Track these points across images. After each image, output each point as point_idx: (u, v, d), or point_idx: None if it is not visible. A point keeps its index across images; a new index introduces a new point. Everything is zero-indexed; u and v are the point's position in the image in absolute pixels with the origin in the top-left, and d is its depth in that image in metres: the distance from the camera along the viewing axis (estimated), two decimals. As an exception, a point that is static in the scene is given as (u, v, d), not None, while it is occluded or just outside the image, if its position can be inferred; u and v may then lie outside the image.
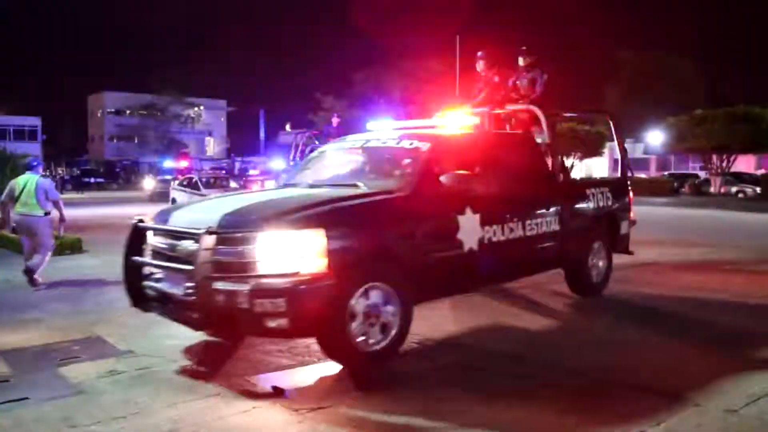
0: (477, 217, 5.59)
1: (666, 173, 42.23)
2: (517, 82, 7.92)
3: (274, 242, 4.34)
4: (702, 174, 39.38)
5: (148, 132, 66.43)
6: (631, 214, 8.07)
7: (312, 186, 5.89)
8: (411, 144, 5.89)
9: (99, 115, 74.41)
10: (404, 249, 5.00)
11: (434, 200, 5.34)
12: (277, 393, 4.30)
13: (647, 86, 50.60)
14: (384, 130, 6.89)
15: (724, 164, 36.09)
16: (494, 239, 5.77)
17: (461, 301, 6.67)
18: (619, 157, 8.39)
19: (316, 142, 16.18)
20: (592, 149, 41.78)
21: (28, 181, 8.41)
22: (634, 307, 6.94)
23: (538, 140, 7.02)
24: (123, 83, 67.39)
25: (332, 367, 4.79)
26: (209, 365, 4.88)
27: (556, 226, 6.58)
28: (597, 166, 47.28)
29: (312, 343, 5.41)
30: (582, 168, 44.65)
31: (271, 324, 4.27)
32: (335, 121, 16.21)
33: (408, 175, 5.54)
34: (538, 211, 6.43)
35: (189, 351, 5.22)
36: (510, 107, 7.55)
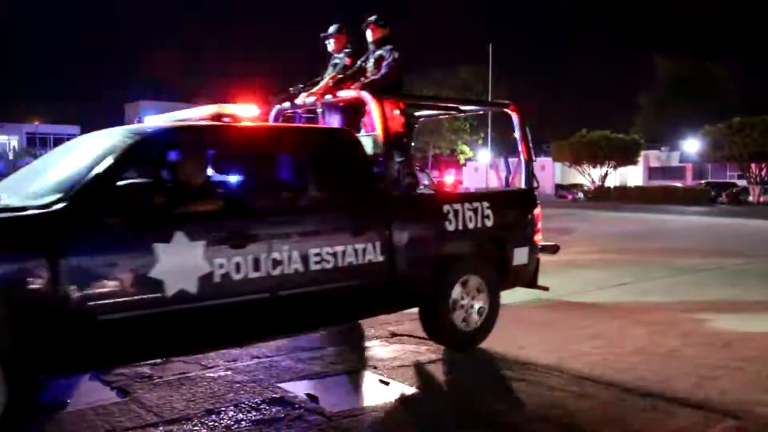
0: (198, 244, 3.93)
1: (703, 182, 41.50)
2: (365, 63, 6.19)
3: None
4: (740, 183, 38.59)
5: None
6: (537, 238, 6.05)
7: None
8: (110, 139, 4.29)
9: (135, 123, 75.76)
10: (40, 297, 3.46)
11: (108, 220, 3.70)
12: (311, 400, 4.34)
13: (683, 93, 49.84)
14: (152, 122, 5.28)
15: (763, 173, 35.32)
16: (238, 276, 4.08)
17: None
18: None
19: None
20: (626, 157, 41.37)
21: None
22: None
23: (366, 139, 5.29)
24: (160, 92, 68.57)
25: (364, 375, 4.82)
26: (242, 372, 4.95)
27: (377, 256, 4.76)
28: (632, 174, 46.77)
29: (344, 351, 5.46)
30: (616, 176, 44.22)
31: None
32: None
33: (74, 183, 3.83)
34: (339, 235, 4.60)
35: (223, 357, 5.29)
36: (342, 94, 5.75)
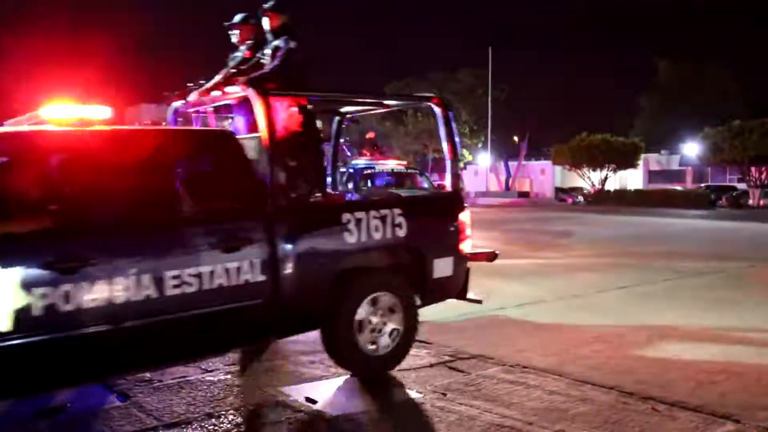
0: (12, 271, 3.39)
1: (703, 185, 41.52)
2: (260, 54, 5.60)
3: None
4: (740, 186, 38.60)
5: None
6: (463, 246, 5.42)
7: None
8: None
9: (136, 126, 75.98)
10: None
11: None
12: (310, 404, 4.33)
13: (684, 96, 49.88)
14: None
15: (763, 176, 35.35)
16: (68, 307, 3.52)
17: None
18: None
19: (349, 153, 16.38)
20: (626, 161, 41.40)
21: None
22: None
23: (248, 140, 4.70)
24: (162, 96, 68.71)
25: (365, 378, 4.82)
26: (242, 376, 4.95)
27: (255, 275, 4.19)
28: (632, 178, 46.80)
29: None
30: (616, 180, 44.26)
31: None
32: (371, 134, 16.38)
33: None
34: (205, 253, 4.03)
35: (222, 361, 5.29)
36: (231, 91, 5.19)
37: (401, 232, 4.95)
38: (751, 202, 35.28)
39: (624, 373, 5.01)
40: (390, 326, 4.88)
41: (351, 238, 4.68)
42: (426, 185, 14.29)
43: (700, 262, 11.33)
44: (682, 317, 7.03)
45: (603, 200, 38.89)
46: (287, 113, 4.88)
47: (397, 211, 4.96)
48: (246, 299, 4.21)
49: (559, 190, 48.49)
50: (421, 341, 5.84)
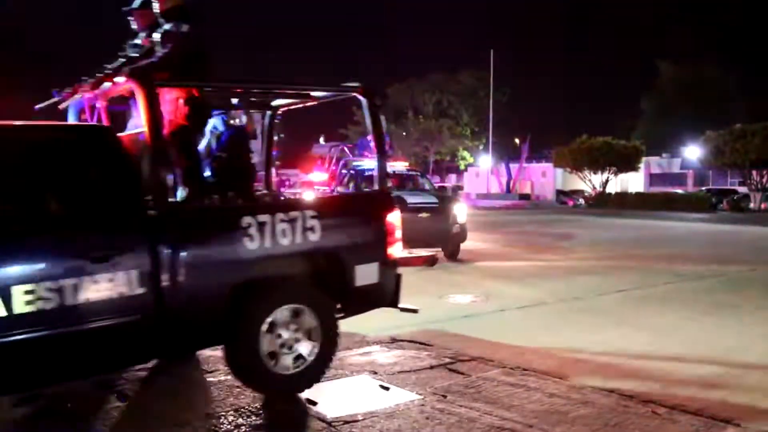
0: None
1: (704, 188, 41.49)
2: (151, 40, 5.09)
3: None
4: (741, 190, 38.58)
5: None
6: (393, 251, 4.94)
7: None
8: None
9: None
10: None
11: None
12: (311, 405, 4.33)
13: (685, 99, 49.86)
14: None
15: (764, 180, 35.33)
16: None
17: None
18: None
19: (350, 155, 16.42)
20: (627, 164, 41.40)
21: None
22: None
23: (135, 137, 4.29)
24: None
25: (365, 380, 4.81)
26: (243, 376, 4.94)
27: (133, 288, 3.75)
28: (633, 181, 46.78)
29: (344, 356, 5.46)
30: (617, 183, 44.25)
31: None
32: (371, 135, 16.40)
33: None
34: (68, 264, 3.57)
35: (222, 362, 5.28)
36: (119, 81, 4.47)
37: (315, 237, 4.48)
38: (752, 205, 35.25)
39: (624, 375, 5.00)
40: (304, 341, 4.42)
41: (252, 245, 4.18)
42: (427, 187, 14.30)
43: (701, 266, 11.33)
44: (682, 320, 7.03)
45: (604, 203, 38.88)
46: (174, 106, 4.50)
47: (309, 213, 4.49)
48: (121, 315, 3.71)
49: (560, 193, 48.48)
50: (421, 343, 5.85)
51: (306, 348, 4.43)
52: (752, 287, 9.37)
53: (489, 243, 15.36)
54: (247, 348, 4.22)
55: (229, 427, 3.95)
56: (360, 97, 5.08)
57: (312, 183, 20.22)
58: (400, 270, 5.07)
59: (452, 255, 12.33)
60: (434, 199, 12.77)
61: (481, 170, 55.99)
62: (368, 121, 5.15)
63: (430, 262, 5.77)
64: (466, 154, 55.12)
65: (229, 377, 4.88)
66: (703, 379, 4.96)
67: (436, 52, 68.70)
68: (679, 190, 41.26)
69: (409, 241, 11.96)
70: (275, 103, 6.02)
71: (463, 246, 12.51)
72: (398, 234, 5.00)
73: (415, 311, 5.27)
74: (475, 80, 52.07)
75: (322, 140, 38.07)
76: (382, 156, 5.22)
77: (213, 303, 4.08)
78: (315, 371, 4.50)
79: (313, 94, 5.72)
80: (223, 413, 4.15)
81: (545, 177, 53.23)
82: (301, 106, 5.98)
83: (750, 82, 48.07)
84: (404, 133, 51.26)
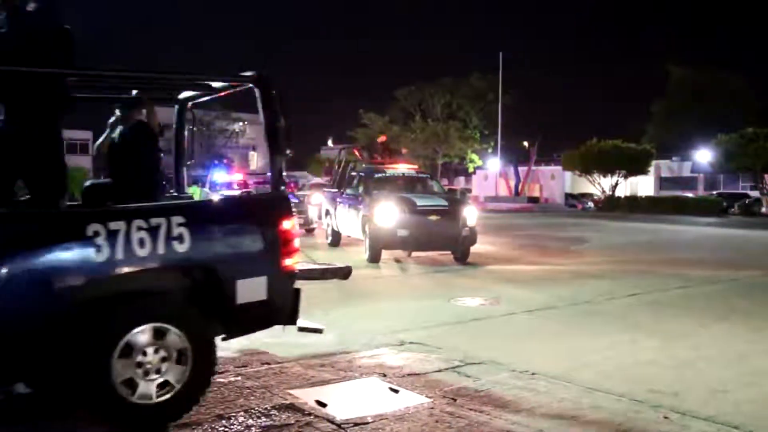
0: None
1: (715, 193, 41.26)
2: None
3: None
4: (752, 194, 38.35)
5: (194, 146, 67.99)
6: (289, 262, 4.34)
7: None
8: None
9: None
10: None
11: None
12: (321, 407, 4.33)
13: (696, 103, 49.62)
14: None
15: (776, 184, 35.14)
16: None
17: None
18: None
19: (359, 157, 16.41)
20: (637, 167, 41.23)
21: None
22: None
23: None
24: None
25: (374, 382, 4.81)
26: (252, 378, 4.95)
27: None
28: (643, 184, 46.58)
29: (353, 358, 5.46)
30: (627, 186, 44.06)
31: None
32: (382, 138, 16.40)
33: None
34: None
35: (234, 363, 5.30)
36: None
37: (183, 247, 3.90)
38: (763, 209, 35.06)
39: (635, 380, 4.97)
40: (171, 366, 3.86)
41: (100, 256, 3.62)
42: (437, 189, 14.25)
43: (712, 271, 11.26)
44: (693, 325, 6.99)
45: (613, 206, 38.72)
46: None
47: (177, 219, 3.91)
48: None
49: (569, 196, 48.32)
50: (430, 346, 5.84)
51: (174, 374, 3.86)
52: (765, 293, 9.31)
53: (498, 246, 15.33)
54: (95, 375, 3.61)
55: (239, 428, 3.95)
56: (253, 86, 4.47)
57: (321, 185, 20.24)
58: (301, 284, 4.55)
59: (462, 258, 12.29)
60: (444, 202, 12.72)
61: (490, 173, 55.88)
62: (262, 113, 4.45)
63: (344, 274, 5.32)
64: (474, 156, 55.02)
65: (239, 378, 4.89)
66: (715, 385, 4.93)
67: (446, 56, 68.76)
68: (690, 194, 41.05)
69: (418, 245, 12.02)
70: (182, 96, 5.63)
71: (472, 249, 12.48)
72: (296, 243, 4.42)
73: (318, 331, 4.82)
74: (485, 83, 52.01)
75: (330, 142, 38.19)
76: (278, 154, 4.48)
77: (47, 325, 3.55)
78: (185, 399, 3.94)
79: (210, 84, 5.22)
80: (233, 414, 4.16)
81: (554, 180, 53.05)
82: (207, 99, 5.56)
83: (761, 86, 47.80)
84: (412, 136, 51.21)
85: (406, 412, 4.24)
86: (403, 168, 14.82)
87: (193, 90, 5.57)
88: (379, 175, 13.80)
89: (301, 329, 4.72)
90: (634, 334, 6.56)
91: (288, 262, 4.36)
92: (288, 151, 4.53)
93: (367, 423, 4.03)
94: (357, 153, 17.10)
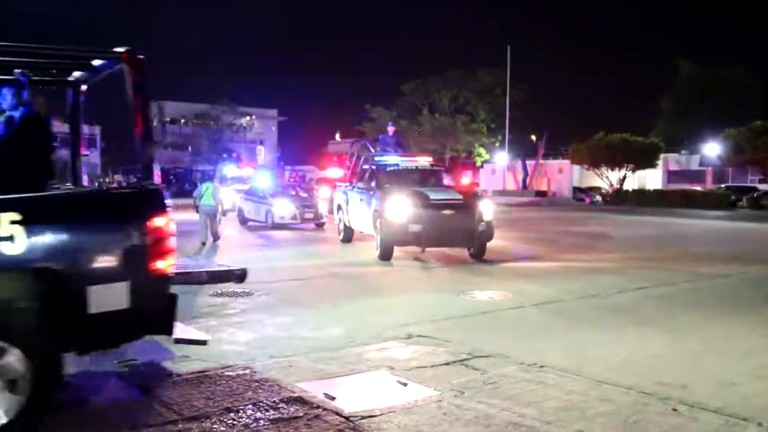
0: None
1: (723, 186, 41.01)
2: None
3: None
4: (761, 187, 38.10)
5: (202, 140, 68.17)
6: (160, 265, 3.86)
7: None
8: None
9: (155, 123, 76.64)
10: None
11: None
12: (329, 400, 4.35)
13: (705, 97, 49.32)
14: None
15: (785, 177, 34.91)
16: None
17: None
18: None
19: (372, 150, 16.33)
20: (645, 160, 41.02)
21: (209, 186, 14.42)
22: None
23: None
24: (181, 93, 69.00)
25: (382, 375, 4.82)
26: (260, 371, 4.97)
27: None
28: (651, 178, 46.36)
29: (361, 351, 5.47)
30: (635, 180, 43.87)
31: None
32: (391, 129, 16.30)
33: None
34: None
35: (242, 356, 5.32)
36: None
37: (15, 249, 3.40)
38: (772, 203, 34.80)
39: (643, 373, 4.96)
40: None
41: None
42: (452, 183, 14.09)
43: (721, 264, 11.20)
44: (702, 319, 6.96)
45: (621, 200, 38.56)
46: None
47: (8, 217, 3.39)
48: None
49: (577, 190, 48.13)
50: (437, 339, 5.84)
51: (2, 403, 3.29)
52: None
53: (507, 241, 15.29)
54: None
55: (247, 420, 3.98)
56: (123, 65, 4.05)
57: (328, 179, 20.20)
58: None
59: (478, 254, 11.81)
60: (459, 196, 12.28)
61: (498, 167, 55.70)
62: (130, 93, 3.98)
63: (238, 276, 4.95)
64: (482, 150, 54.87)
65: (247, 371, 4.92)
66: (724, 378, 4.91)
67: (453, 50, 68.58)
68: (698, 188, 40.82)
69: (431, 240, 11.63)
70: (72, 78, 5.16)
71: (482, 244, 12.25)
72: (170, 243, 3.90)
73: (202, 343, 4.51)
74: (493, 78, 51.84)
75: (337, 137, 38.20)
76: (146, 142, 4.04)
77: None
78: (24, 425, 3.41)
79: (90, 63, 4.75)
80: (242, 407, 4.18)
81: (562, 173, 52.82)
82: (96, 80, 5.06)
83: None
84: (419, 130, 51.13)
85: (414, 405, 4.25)
86: (420, 161, 14.50)
87: (74, 69, 5.01)
88: (391, 167, 13.52)
89: (178, 341, 4.30)
90: (643, 328, 6.54)
91: (160, 264, 3.83)
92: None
93: (376, 416, 4.05)
94: (369, 146, 17.00)
